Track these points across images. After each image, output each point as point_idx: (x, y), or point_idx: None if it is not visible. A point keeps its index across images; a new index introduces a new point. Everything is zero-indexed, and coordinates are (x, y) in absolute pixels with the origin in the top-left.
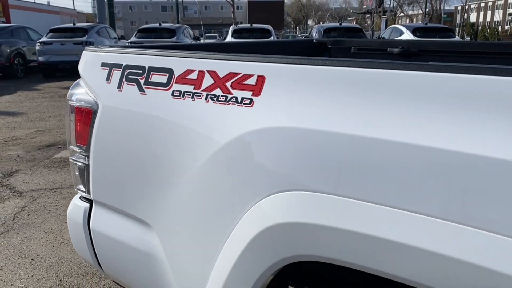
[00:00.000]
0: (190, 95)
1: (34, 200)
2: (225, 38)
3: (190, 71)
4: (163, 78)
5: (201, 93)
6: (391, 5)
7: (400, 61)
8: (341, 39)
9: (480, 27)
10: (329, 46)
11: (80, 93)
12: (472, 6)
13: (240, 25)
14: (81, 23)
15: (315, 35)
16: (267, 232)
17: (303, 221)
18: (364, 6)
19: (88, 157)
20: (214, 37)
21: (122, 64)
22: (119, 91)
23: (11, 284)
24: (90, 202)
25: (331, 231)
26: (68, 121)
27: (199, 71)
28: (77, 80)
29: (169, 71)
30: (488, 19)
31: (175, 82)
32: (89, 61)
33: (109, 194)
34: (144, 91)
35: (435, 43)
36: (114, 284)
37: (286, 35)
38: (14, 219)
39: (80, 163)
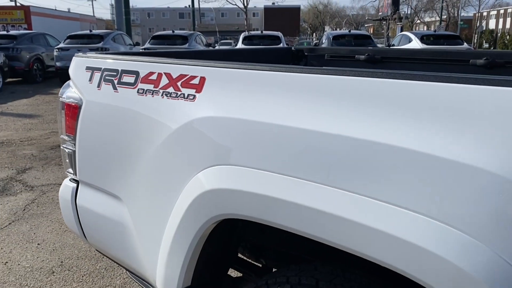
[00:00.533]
0: (150, 92)
1: (44, 193)
2: (236, 45)
3: (151, 73)
4: (131, 79)
5: (159, 91)
6: (408, 12)
7: (295, 66)
8: (316, 47)
9: (499, 34)
10: (305, 54)
11: (69, 92)
12: (492, 13)
13: (252, 32)
14: (97, 30)
15: (325, 41)
16: (201, 196)
17: (227, 187)
18: (380, 13)
19: (75, 144)
20: (229, 44)
21: (101, 68)
22: (98, 89)
23: (18, 264)
24: (77, 182)
25: (246, 195)
26: (60, 115)
27: (158, 73)
28: (67, 81)
29: (136, 73)
30: (508, 25)
31: (140, 82)
32: (77, 65)
33: (91, 174)
34: (117, 89)
35: (397, 51)
36: (109, 265)
37: (300, 41)
38: (24, 209)
39: (69, 150)
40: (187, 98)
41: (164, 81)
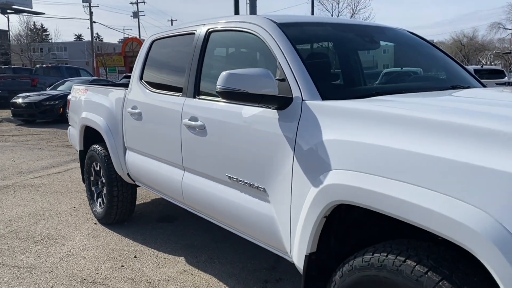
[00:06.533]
0: (79, 95)
1: None
2: None
3: (80, 90)
4: (72, 98)
5: (82, 95)
6: None
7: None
8: None
9: None
10: None
11: (69, 96)
12: None
13: None
14: None
15: None
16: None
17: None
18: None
19: (68, 112)
20: None
21: (73, 88)
22: (72, 96)
23: (66, 204)
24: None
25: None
26: (68, 104)
27: (83, 88)
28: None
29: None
30: None
31: (75, 94)
32: (72, 88)
33: (71, 120)
34: (71, 99)
35: None
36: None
37: None
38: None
39: (68, 115)
40: (81, 96)
41: (80, 92)
